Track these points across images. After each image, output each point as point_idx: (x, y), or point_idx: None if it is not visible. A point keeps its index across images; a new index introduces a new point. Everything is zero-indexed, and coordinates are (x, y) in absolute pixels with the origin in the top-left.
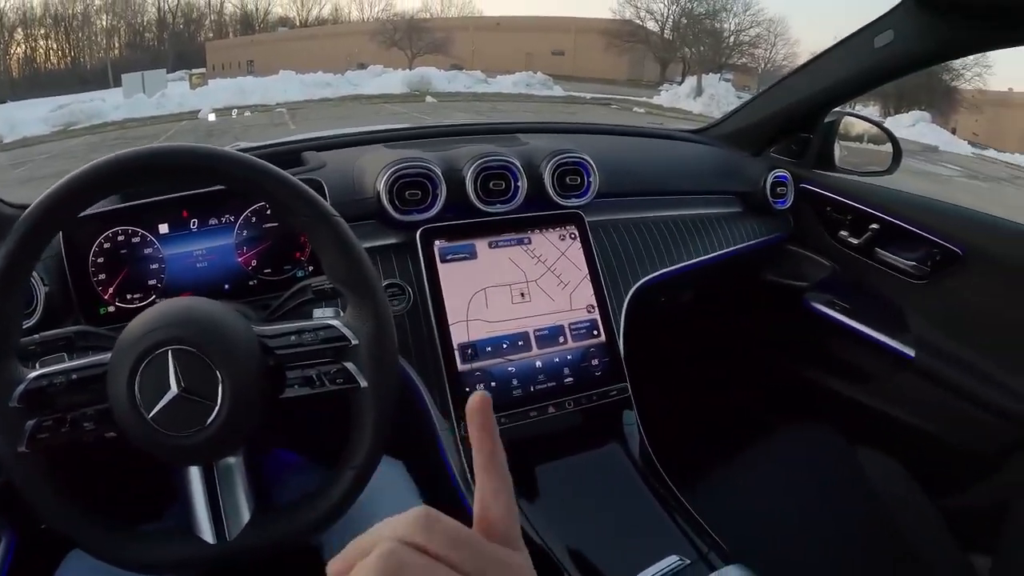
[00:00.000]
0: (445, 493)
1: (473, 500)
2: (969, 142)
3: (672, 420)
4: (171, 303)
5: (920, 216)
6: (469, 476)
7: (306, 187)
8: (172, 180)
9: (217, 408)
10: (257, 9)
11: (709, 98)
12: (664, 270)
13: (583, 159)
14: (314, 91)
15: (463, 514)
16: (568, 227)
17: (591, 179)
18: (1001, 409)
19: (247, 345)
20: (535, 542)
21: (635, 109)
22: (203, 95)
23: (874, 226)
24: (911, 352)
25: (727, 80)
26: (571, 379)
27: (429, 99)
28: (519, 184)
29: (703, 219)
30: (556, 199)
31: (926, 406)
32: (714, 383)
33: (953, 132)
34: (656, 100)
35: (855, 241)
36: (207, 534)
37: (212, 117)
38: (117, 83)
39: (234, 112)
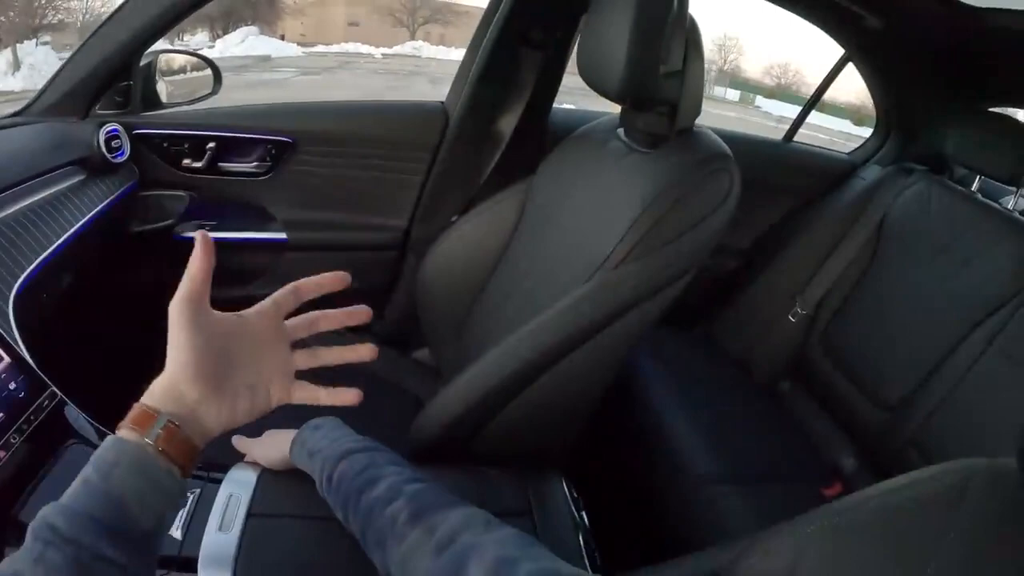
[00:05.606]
0: None
1: None
2: (299, 44)
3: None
4: None
5: (248, 123)
6: None
7: None
8: None
9: None
10: None
11: (30, 69)
12: (29, 269)
13: None
14: None
15: None
16: None
17: None
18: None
19: None
20: None
21: None
22: None
23: (211, 146)
24: (283, 236)
25: (45, 44)
26: (1, 415)
27: None
28: None
29: (47, 201)
30: None
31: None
32: (144, 348)
33: (283, 38)
34: None
35: (199, 165)
36: None
37: None
38: None
39: None
